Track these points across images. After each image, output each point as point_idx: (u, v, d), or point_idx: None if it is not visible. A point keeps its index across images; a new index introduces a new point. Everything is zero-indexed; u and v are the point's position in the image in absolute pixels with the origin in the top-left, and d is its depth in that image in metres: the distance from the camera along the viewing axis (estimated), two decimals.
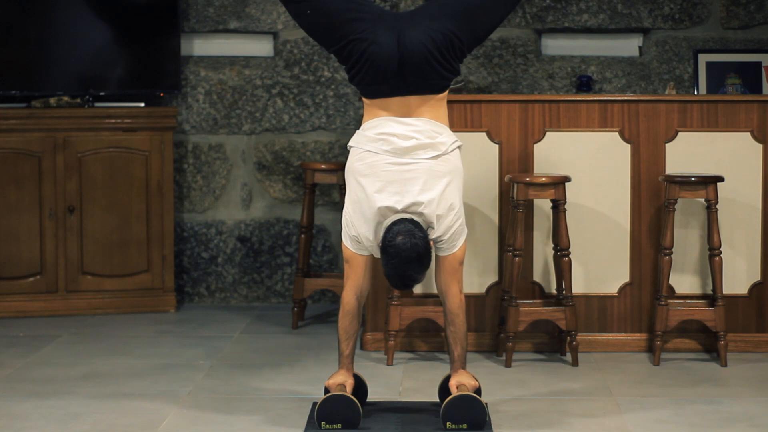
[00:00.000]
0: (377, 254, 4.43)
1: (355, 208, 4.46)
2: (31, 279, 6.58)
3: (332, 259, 6.99)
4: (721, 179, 5.52)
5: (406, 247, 4.29)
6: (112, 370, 5.40)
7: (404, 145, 4.42)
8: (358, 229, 4.45)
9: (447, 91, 4.53)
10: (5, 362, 5.53)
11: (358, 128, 4.57)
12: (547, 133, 5.76)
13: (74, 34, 6.65)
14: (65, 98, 6.61)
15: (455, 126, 5.64)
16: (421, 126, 4.45)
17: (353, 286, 4.55)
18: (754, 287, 5.77)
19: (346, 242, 4.52)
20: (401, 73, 4.43)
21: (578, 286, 5.71)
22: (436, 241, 4.47)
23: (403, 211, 4.38)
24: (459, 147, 4.53)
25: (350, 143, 4.54)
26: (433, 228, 4.42)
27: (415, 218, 4.39)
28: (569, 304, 5.51)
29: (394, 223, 4.36)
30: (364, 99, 4.56)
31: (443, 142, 4.46)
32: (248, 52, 7.03)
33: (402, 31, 4.43)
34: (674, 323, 5.57)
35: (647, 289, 5.76)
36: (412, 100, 4.47)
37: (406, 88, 4.45)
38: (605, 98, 5.78)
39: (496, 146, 5.75)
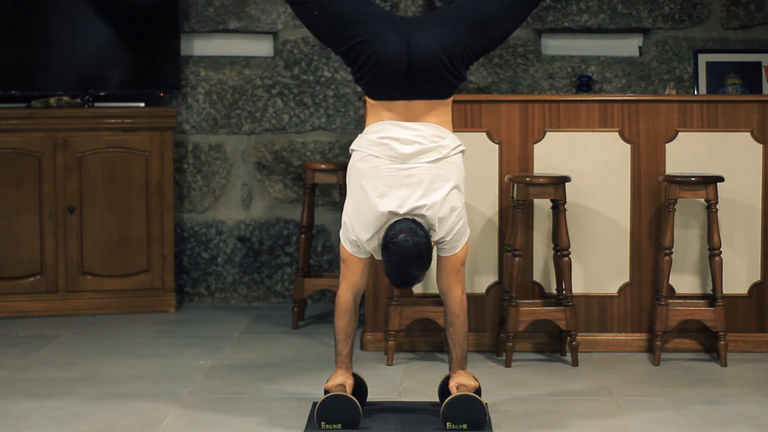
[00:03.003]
0: (378, 256, 4.43)
1: (356, 213, 4.44)
2: (31, 279, 6.58)
3: (332, 259, 6.99)
4: (721, 179, 5.52)
5: (408, 245, 4.29)
6: (112, 370, 5.40)
7: (406, 151, 4.40)
8: (358, 233, 4.43)
9: (452, 97, 4.52)
10: (5, 362, 5.53)
11: (358, 128, 4.57)
12: (547, 133, 5.76)
13: (74, 34, 6.65)
14: (65, 98, 6.61)
15: (455, 126, 5.64)
16: (425, 131, 4.43)
17: (350, 285, 4.53)
18: (754, 287, 5.77)
19: (345, 244, 4.50)
20: (409, 77, 4.40)
21: (578, 286, 5.70)
22: (438, 242, 4.47)
23: (406, 214, 4.38)
24: (462, 152, 4.51)
25: (353, 146, 4.51)
26: (434, 230, 4.42)
27: (418, 219, 4.39)
28: (569, 304, 5.50)
29: (396, 222, 4.36)
30: (368, 99, 4.55)
31: (445, 146, 4.44)
32: (248, 52, 7.03)
33: (411, 36, 4.40)
34: (674, 323, 5.56)
35: (647, 289, 5.76)
36: (418, 104, 4.45)
37: (413, 92, 4.43)
38: (605, 98, 5.78)
39: (496, 146, 5.75)
